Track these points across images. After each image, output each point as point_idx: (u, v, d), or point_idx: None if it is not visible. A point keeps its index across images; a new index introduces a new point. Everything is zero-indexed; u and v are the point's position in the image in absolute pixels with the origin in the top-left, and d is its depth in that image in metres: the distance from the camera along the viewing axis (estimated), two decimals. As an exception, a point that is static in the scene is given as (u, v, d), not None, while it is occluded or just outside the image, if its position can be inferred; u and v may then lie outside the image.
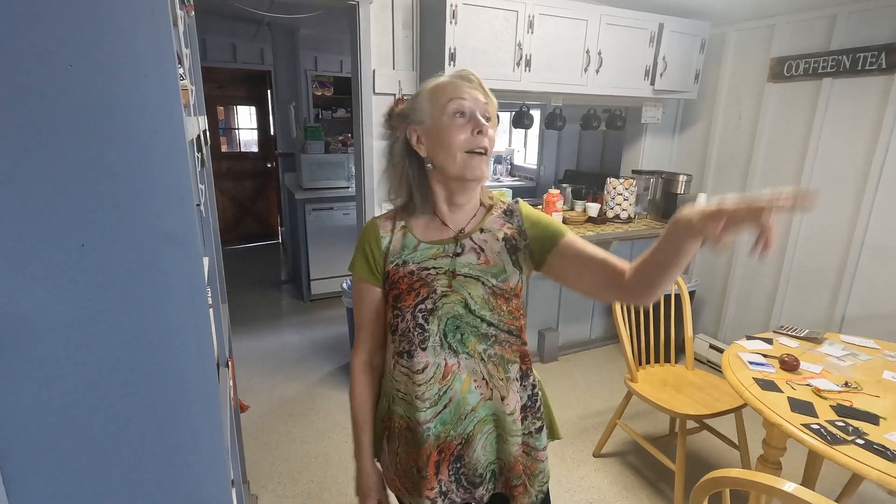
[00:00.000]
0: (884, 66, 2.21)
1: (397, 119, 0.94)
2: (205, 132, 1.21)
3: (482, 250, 0.94)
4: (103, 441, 0.66)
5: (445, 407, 0.94)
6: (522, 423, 0.99)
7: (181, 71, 0.95)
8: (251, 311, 3.89)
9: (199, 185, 0.97)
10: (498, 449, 0.99)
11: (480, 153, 0.88)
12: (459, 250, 0.94)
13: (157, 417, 0.68)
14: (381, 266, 0.96)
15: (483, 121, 0.88)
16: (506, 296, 0.93)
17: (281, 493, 2.01)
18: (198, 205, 1.03)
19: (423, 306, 0.91)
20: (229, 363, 1.36)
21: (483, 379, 0.94)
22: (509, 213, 0.99)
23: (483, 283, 0.92)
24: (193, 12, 1.35)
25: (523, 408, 0.99)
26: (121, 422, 0.67)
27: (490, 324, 0.93)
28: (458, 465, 0.97)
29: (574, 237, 0.94)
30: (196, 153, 1.00)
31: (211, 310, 1.18)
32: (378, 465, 1.08)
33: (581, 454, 2.28)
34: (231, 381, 1.44)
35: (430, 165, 0.92)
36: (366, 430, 1.04)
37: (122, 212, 0.61)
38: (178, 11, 0.80)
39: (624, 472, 2.18)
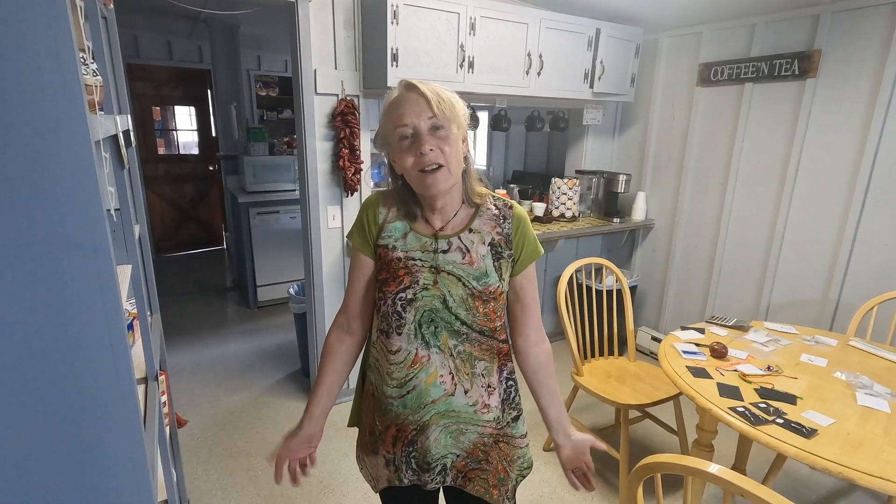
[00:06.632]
0: (797, 72, 2.39)
1: (378, 140, 1.00)
2: (127, 132, 1.14)
3: (468, 251, 0.97)
4: (4, 466, 0.61)
5: (409, 392, 0.99)
6: (503, 415, 1.05)
7: (94, 67, 0.89)
8: (194, 320, 3.71)
9: (110, 188, 0.91)
10: (455, 440, 1.03)
11: (432, 170, 0.90)
12: (446, 248, 0.97)
13: (66, 439, 0.64)
14: (375, 238, 1.00)
15: (426, 139, 0.89)
16: (484, 298, 0.97)
17: (225, 509, 1.92)
18: (112, 210, 0.97)
19: (403, 295, 0.96)
20: (161, 376, 1.29)
21: (450, 373, 0.99)
22: (501, 218, 1.00)
23: (464, 285, 0.96)
24: (112, 5, 1.27)
25: (502, 402, 1.05)
26: (23, 445, 0.62)
27: (463, 322, 0.97)
28: (411, 448, 1.03)
29: (528, 279, 1.03)
30: (110, 154, 0.94)
31: (136, 321, 1.12)
32: (314, 424, 1.06)
33: (531, 449, 2.32)
34: (164, 396, 1.36)
35: (400, 182, 0.99)
36: (321, 384, 1.06)
37: (16, 217, 0.57)
38: (80, 2, 0.75)
39: (573, 463, 2.23)
